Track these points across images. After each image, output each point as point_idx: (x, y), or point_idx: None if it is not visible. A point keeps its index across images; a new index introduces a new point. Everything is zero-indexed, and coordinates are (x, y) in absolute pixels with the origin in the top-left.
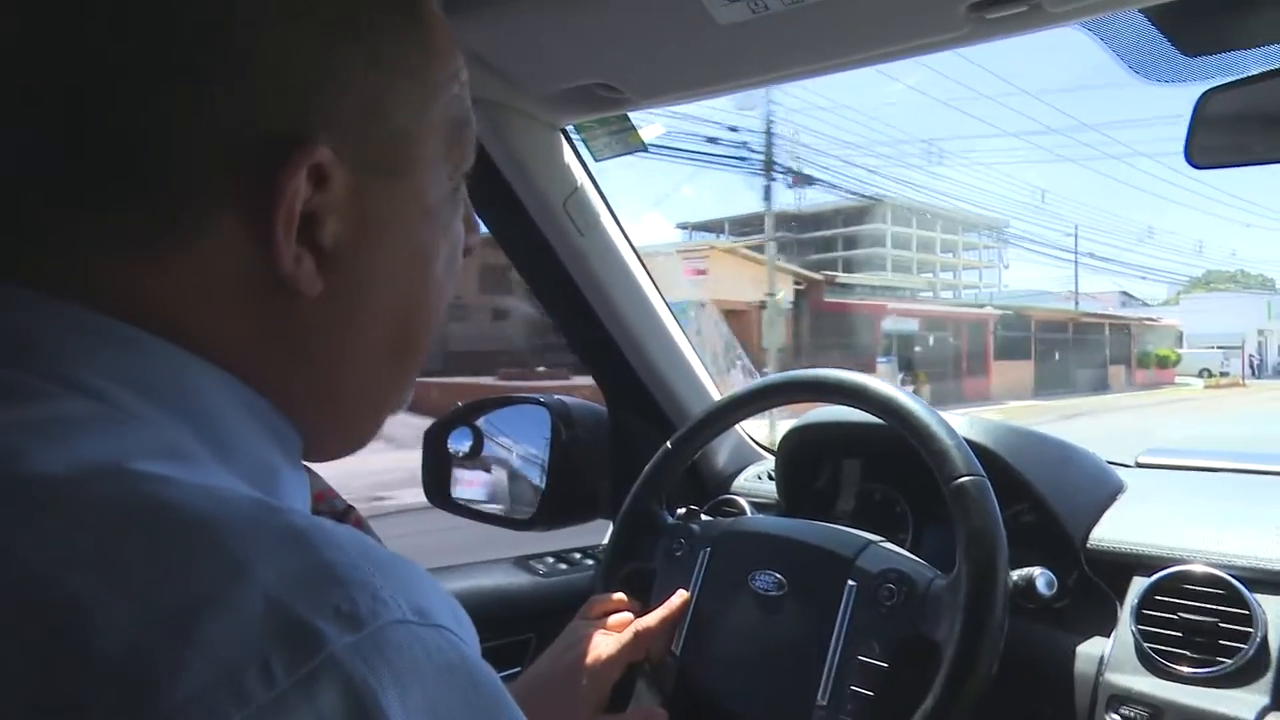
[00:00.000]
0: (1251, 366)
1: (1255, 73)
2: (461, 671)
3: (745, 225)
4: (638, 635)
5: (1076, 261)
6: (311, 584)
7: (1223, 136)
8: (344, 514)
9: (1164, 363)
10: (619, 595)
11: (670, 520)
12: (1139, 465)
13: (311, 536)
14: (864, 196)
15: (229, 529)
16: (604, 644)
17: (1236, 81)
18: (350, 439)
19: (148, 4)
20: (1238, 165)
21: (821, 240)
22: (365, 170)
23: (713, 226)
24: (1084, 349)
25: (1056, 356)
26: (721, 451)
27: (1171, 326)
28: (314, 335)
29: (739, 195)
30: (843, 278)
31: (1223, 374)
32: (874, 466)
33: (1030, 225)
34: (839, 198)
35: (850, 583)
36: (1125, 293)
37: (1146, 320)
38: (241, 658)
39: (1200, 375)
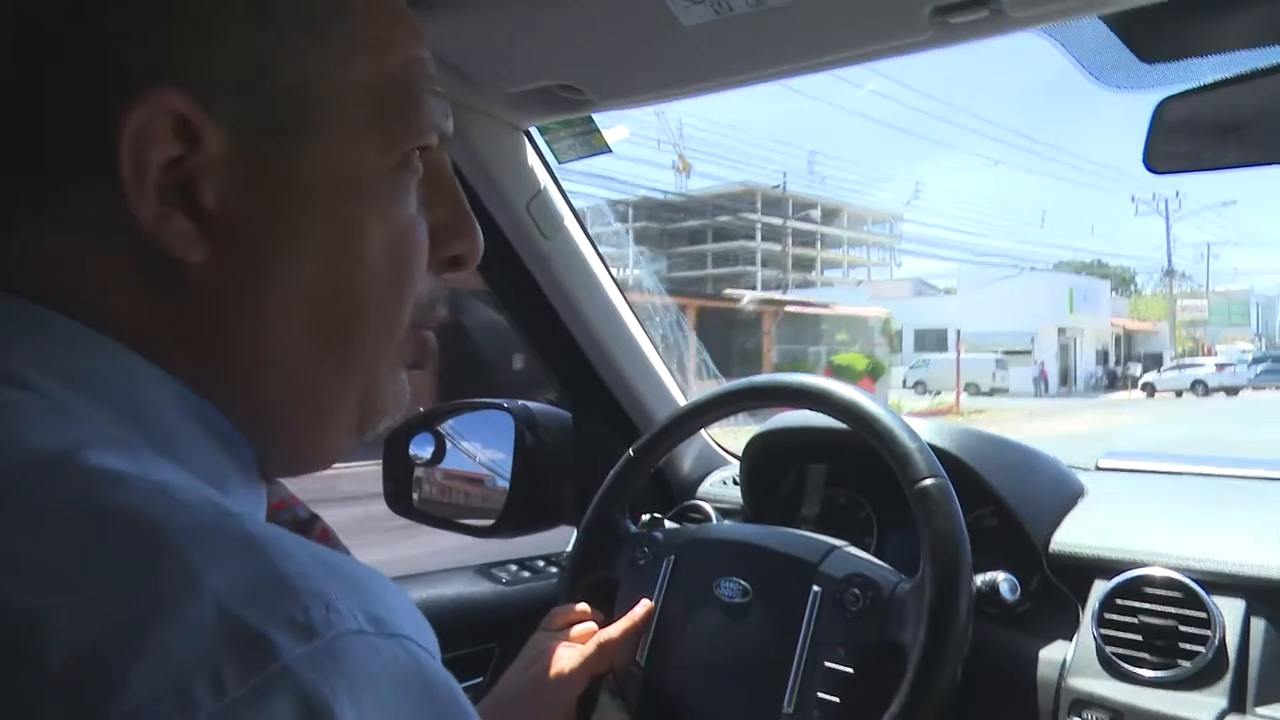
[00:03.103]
0: (1044, 380)
1: (1211, 80)
2: (416, 682)
3: (612, 210)
4: (601, 646)
5: (759, 233)
6: (264, 593)
7: (1180, 143)
8: (308, 523)
9: (847, 375)
10: (582, 606)
11: (633, 529)
12: (1099, 469)
13: (264, 544)
14: (736, 183)
15: (181, 535)
16: (567, 656)
17: (1194, 89)
18: (302, 448)
19: None
20: (1195, 171)
21: (690, 231)
22: (254, 129)
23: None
24: None
25: (517, 365)
26: (686, 457)
27: (860, 316)
28: (214, 312)
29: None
30: None
31: (997, 390)
32: (839, 471)
33: (916, 222)
34: (717, 184)
35: (815, 588)
36: (921, 280)
37: (795, 304)
38: (191, 667)
39: (968, 391)
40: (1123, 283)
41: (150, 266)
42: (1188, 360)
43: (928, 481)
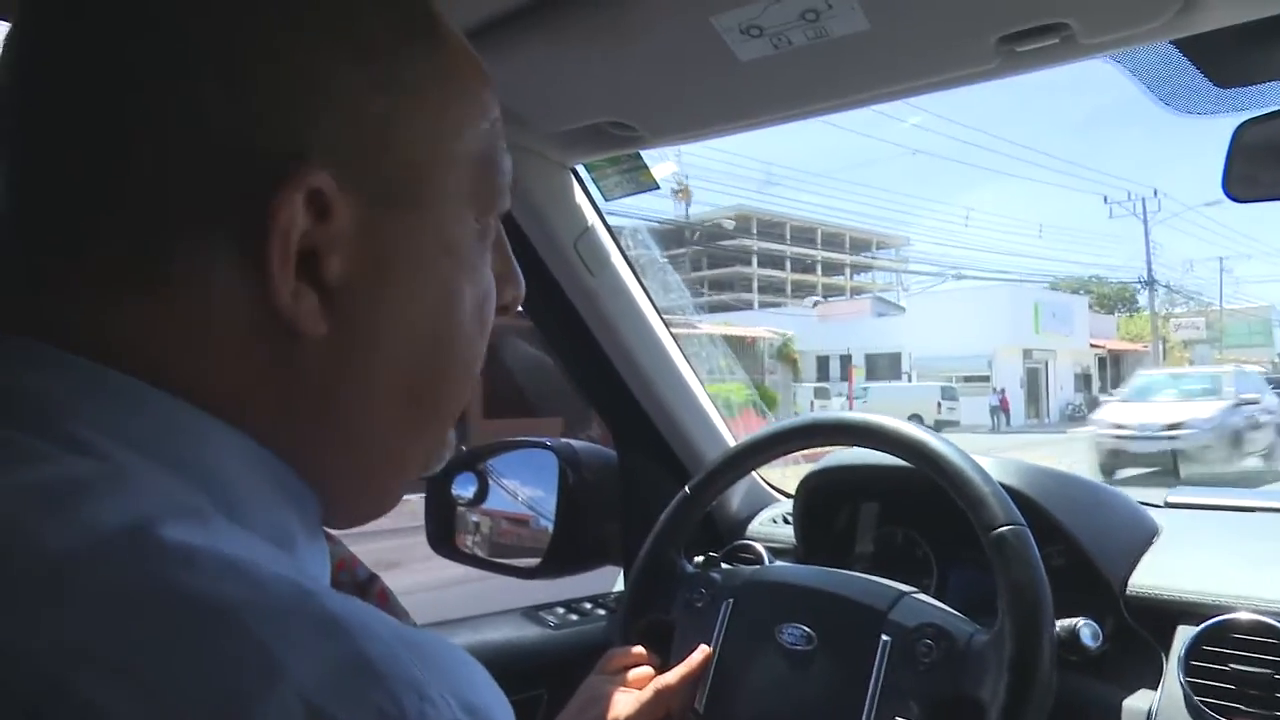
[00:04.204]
0: (1003, 411)
1: None
2: None
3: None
4: (658, 693)
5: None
6: (351, 682)
7: (1262, 168)
8: (367, 584)
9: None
10: (638, 649)
11: (689, 569)
12: (1169, 505)
13: (347, 625)
14: (729, 208)
15: (260, 620)
16: (623, 702)
17: (1273, 113)
18: (371, 502)
19: (146, 19)
20: (1277, 198)
21: (690, 258)
22: (374, 202)
23: None
24: None
25: None
26: (736, 495)
27: (745, 338)
28: (323, 383)
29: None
30: None
31: (945, 423)
32: (894, 509)
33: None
34: (709, 209)
35: (884, 638)
36: (880, 298)
37: None
38: None
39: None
40: (1123, 300)
41: (263, 339)
42: None
43: (1005, 529)
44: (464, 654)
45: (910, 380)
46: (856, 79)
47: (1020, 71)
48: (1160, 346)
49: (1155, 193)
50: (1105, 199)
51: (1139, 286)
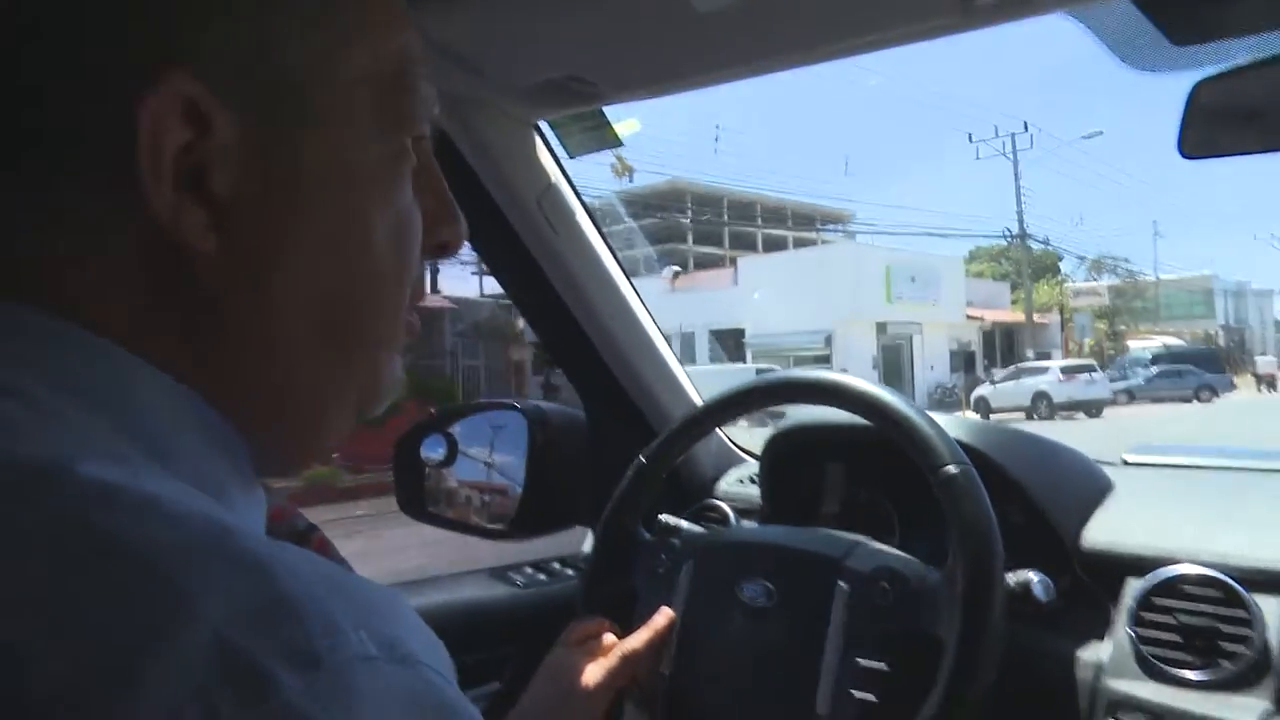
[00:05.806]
0: None
1: (1246, 62)
2: (434, 713)
3: None
4: (625, 658)
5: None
6: (264, 619)
7: (1216, 128)
8: (305, 534)
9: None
10: (601, 618)
11: (649, 536)
12: (1126, 464)
13: (265, 562)
14: (663, 181)
15: (174, 558)
16: (591, 671)
17: (1228, 71)
18: (301, 444)
19: None
20: (1232, 155)
21: (617, 235)
22: (258, 116)
23: None
24: None
25: None
26: (702, 455)
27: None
28: (225, 305)
29: None
30: None
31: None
32: (859, 468)
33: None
34: (646, 182)
35: (841, 584)
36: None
37: None
38: (182, 699)
39: None
40: (1047, 268)
41: (156, 261)
42: (1029, 364)
43: (952, 468)
44: (395, 596)
45: (748, 363)
46: (814, 32)
47: (980, 26)
48: (1028, 313)
49: (1026, 126)
50: (970, 137)
51: (1061, 252)
